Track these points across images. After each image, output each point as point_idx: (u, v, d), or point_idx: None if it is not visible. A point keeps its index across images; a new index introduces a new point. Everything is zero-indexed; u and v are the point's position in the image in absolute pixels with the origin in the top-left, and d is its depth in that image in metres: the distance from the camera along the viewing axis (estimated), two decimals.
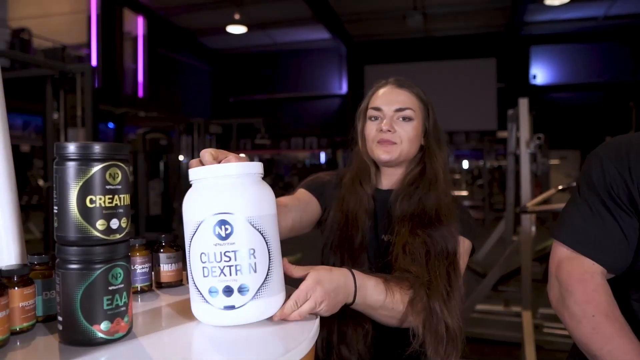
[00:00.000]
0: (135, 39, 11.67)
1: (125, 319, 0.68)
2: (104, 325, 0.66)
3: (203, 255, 0.71)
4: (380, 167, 1.31)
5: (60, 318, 0.66)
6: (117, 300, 0.67)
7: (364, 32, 13.06)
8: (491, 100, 13.27)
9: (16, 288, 0.70)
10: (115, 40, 10.92)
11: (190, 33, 12.94)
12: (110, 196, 0.66)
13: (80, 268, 0.65)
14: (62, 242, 0.66)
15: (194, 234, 0.72)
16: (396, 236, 1.18)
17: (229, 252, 0.70)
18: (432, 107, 1.30)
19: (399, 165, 1.29)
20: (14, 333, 0.69)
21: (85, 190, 0.65)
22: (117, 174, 0.67)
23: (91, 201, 0.65)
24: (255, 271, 0.72)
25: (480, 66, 13.34)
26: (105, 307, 0.66)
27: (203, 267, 0.72)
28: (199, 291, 0.73)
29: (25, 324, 0.70)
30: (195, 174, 0.75)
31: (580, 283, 0.98)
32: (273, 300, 0.74)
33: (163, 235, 0.97)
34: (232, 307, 0.71)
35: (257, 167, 0.76)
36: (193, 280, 0.74)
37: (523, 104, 3.31)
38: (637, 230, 0.96)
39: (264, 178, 0.80)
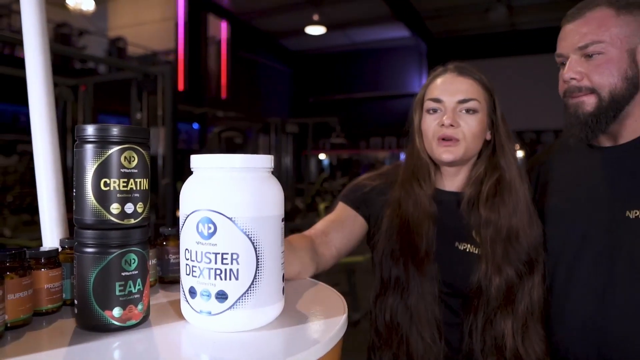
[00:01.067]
0: (219, 43, 12.16)
1: (140, 306, 0.67)
2: (116, 312, 0.64)
3: (187, 251, 0.66)
4: (440, 167, 1.16)
5: (75, 302, 0.65)
6: (130, 287, 0.65)
7: (444, 29, 12.69)
8: None
9: (43, 270, 0.70)
10: (200, 45, 11.43)
11: (271, 35, 13.26)
12: (125, 180, 0.65)
13: (94, 252, 0.64)
14: (79, 225, 0.65)
15: (182, 226, 0.67)
16: (479, 247, 1.07)
17: (209, 253, 0.64)
18: (498, 95, 1.14)
19: (462, 164, 1.14)
20: (39, 314, 0.70)
21: (100, 173, 0.64)
22: (134, 157, 0.66)
23: (105, 184, 0.64)
24: (236, 278, 0.64)
25: None
26: (117, 293, 0.64)
27: (186, 264, 0.66)
28: (182, 288, 0.68)
29: (50, 306, 0.71)
30: (195, 160, 0.68)
31: None
32: (259, 312, 0.66)
33: None
34: (209, 313, 0.64)
35: (263, 161, 0.68)
36: (180, 275, 0.69)
37: None
38: None
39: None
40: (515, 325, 1.03)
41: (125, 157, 0.65)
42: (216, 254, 0.64)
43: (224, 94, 12.19)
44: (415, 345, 1.05)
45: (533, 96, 12.55)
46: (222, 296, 0.64)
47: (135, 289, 0.66)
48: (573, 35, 1.03)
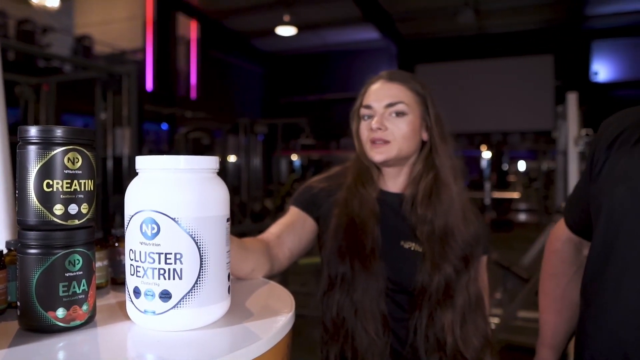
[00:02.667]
0: (188, 42, 12.04)
1: (84, 307, 0.67)
2: (59, 312, 0.64)
3: (131, 252, 0.67)
4: (381, 168, 1.21)
5: (18, 303, 0.65)
6: (74, 288, 0.66)
7: (414, 31, 12.86)
8: (548, 99, 12.71)
9: None
10: (169, 44, 11.30)
11: (242, 35, 13.19)
12: (69, 181, 0.65)
13: (37, 253, 0.64)
14: (22, 226, 0.65)
15: (127, 227, 0.68)
16: (421, 245, 1.12)
17: (153, 253, 0.64)
18: (433, 99, 1.19)
19: (400, 165, 1.19)
20: None
21: (43, 174, 0.64)
22: (78, 158, 0.66)
23: (48, 185, 0.64)
24: (180, 278, 0.64)
25: (537, 63, 12.83)
26: (61, 294, 0.64)
27: (130, 265, 0.67)
28: (127, 288, 0.68)
29: None
30: (140, 162, 0.69)
31: (549, 242, 1.14)
32: (204, 311, 0.67)
33: None
34: (153, 313, 0.65)
35: (208, 162, 0.69)
36: (125, 275, 0.69)
37: (571, 98, 3.12)
38: (591, 197, 0.95)
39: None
40: (454, 320, 1.08)
41: (69, 158, 0.65)
42: (159, 254, 0.64)
43: (193, 94, 12.08)
44: (360, 339, 1.08)
45: (500, 98, 12.83)
46: (166, 295, 0.65)
47: (79, 289, 0.66)
48: None
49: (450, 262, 1.09)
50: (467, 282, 1.11)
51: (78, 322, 0.66)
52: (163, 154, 0.77)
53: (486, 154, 12.23)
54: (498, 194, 10.85)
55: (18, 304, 0.65)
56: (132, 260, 0.67)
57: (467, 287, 1.11)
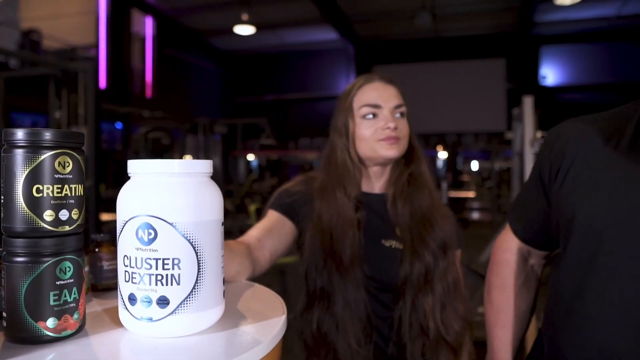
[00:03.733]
0: (143, 40, 11.73)
1: (75, 315, 0.65)
2: (50, 322, 0.62)
3: (126, 258, 0.65)
4: (368, 169, 1.23)
5: (4, 314, 0.63)
6: (65, 296, 0.63)
7: (372, 33, 13.02)
8: (500, 101, 13.15)
9: None
10: (123, 41, 10.98)
11: (199, 34, 12.98)
12: (60, 186, 0.63)
13: (26, 261, 0.61)
14: (8, 233, 0.63)
15: (120, 233, 0.66)
16: (402, 242, 1.16)
17: (150, 259, 0.63)
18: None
19: (388, 166, 1.24)
20: None
21: (32, 179, 0.61)
22: (68, 162, 0.64)
23: (38, 190, 0.61)
24: (178, 283, 0.63)
25: (490, 67, 13.25)
26: (52, 303, 0.62)
27: (125, 271, 0.65)
28: (121, 296, 0.66)
29: None
30: (133, 166, 0.67)
31: (495, 254, 1.09)
32: (201, 316, 0.66)
33: None
34: (150, 319, 0.64)
35: (202, 166, 0.68)
36: (118, 283, 0.68)
37: (527, 102, 3.24)
38: (555, 209, 0.94)
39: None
40: (435, 305, 1.13)
41: (59, 162, 0.63)
42: (157, 259, 0.63)
43: (148, 93, 11.79)
44: (342, 352, 1.10)
45: (455, 100, 13.16)
46: (163, 302, 0.64)
47: (71, 297, 0.64)
48: None
49: (429, 250, 1.15)
50: (445, 269, 1.16)
51: (69, 331, 0.64)
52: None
53: (442, 154, 12.53)
54: (454, 193, 11.12)
55: (4, 314, 0.63)
56: (126, 266, 0.65)
57: (445, 273, 1.16)
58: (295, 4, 10.87)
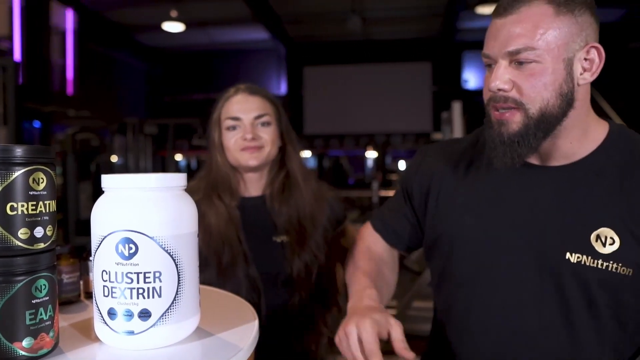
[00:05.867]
0: (63, 33, 11.10)
1: (51, 333, 0.64)
2: (26, 342, 0.61)
3: (104, 273, 0.65)
4: (243, 176, 1.33)
5: None
6: (41, 314, 0.62)
7: (303, 34, 13.10)
8: (426, 103, 13.68)
9: None
10: (41, 34, 10.32)
11: (125, 29, 12.46)
12: (34, 202, 0.62)
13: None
14: None
15: (97, 248, 0.66)
16: (288, 236, 1.28)
17: (131, 273, 0.64)
18: (282, 108, 1.36)
19: (262, 169, 1.33)
20: None
21: (5, 197, 0.60)
22: (42, 178, 0.63)
23: (12, 208, 0.60)
24: (160, 296, 0.65)
25: (417, 70, 13.74)
26: (27, 323, 0.61)
27: (104, 286, 0.65)
28: (99, 310, 0.67)
29: None
30: (107, 181, 0.67)
31: (357, 245, 1.17)
32: (181, 326, 0.67)
33: None
34: (131, 333, 0.64)
35: (178, 179, 0.69)
36: (95, 298, 0.68)
37: (456, 107, 3.43)
38: (416, 224, 1.10)
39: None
40: (314, 300, 1.27)
41: (33, 179, 0.62)
42: (138, 273, 0.64)
43: (70, 90, 11.16)
44: None
45: (383, 101, 13.51)
46: (145, 314, 0.64)
47: (46, 315, 0.63)
48: (504, 34, 0.85)
49: (308, 248, 1.26)
50: (325, 264, 1.29)
51: (45, 350, 0.63)
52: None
53: (371, 154, 12.84)
54: (384, 192, 11.45)
55: None
56: (105, 281, 0.65)
57: (324, 269, 1.29)
58: (225, 3, 10.71)
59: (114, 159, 7.68)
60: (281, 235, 1.28)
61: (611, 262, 0.83)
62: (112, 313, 0.65)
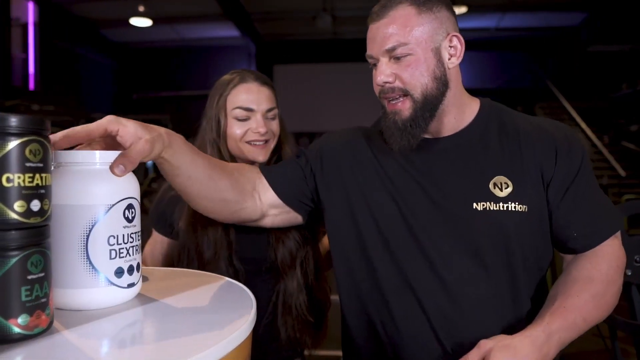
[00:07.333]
0: (25, 26, 10.73)
1: (47, 311, 0.62)
2: (21, 319, 0.59)
3: (112, 237, 0.72)
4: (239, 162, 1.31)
5: None
6: (37, 291, 0.60)
7: (273, 32, 13.05)
8: None
9: None
10: (1, 27, 9.95)
11: (91, 24, 12.14)
12: (31, 175, 0.59)
13: None
14: None
15: (100, 218, 0.72)
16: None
17: (133, 233, 0.75)
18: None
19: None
20: None
21: (0, 168, 0.57)
22: (39, 150, 0.61)
23: (8, 180, 0.58)
24: (141, 249, 0.79)
25: None
26: (23, 299, 0.59)
27: (111, 250, 0.72)
28: (102, 275, 0.72)
29: None
30: (81, 157, 0.73)
31: None
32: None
33: None
34: (133, 285, 0.75)
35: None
36: (91, 266, 0.71)
37: None
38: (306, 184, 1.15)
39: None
40: (298, 286, 1.27)
41: (30, 150, 0.59)
42: (136, 232, 0.77)
43: (32, 85, 10.80)
44: None
45: (353, 99, 13.58)
46: (139, 267, 0.78)
47: (42, 292, 0.61)
48: (380, 36, 1.00)
49: (292, 235, 1.26)
50: (308, 253, 1.29)
51: (41, 328, 0.61)
52: None
53: None
54: None
55: None
56: (112, 245, 0.72)
57: (308, 257, 1.29)
58: None
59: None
60: None
61: (509, 202, 0.99)
62: (119, 272, 0.73)
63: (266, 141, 1.25)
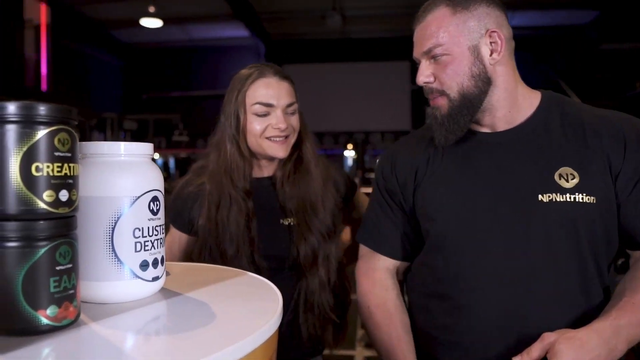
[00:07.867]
0: (37, 28, 10.82)
1: (74, 303, 0.61)
2: (50, 311, 0.58)
3: (137, 230, 0.71)
4: (259, 160, 1.29)
5: None
6: (65, 282, 0.59)
7: (283, 31, 13.05)
8: (405, 102, 13.77)
9: None
10: (14, 27, 10.04)
11: (101, 25, 12.21)
12: (60, 164, 0.59)
13: (21, 246, 0.56)
14: None
15: (125, 210, 0.71)
16: (296, 219, 1.25)
17: (157, 226, 0.74)
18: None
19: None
20: None
21: (30, 157, 0.57)
22: (67, 140, 0.60)
23: (37, 169, 0.57)
24: (164, 242, 0.78)
25: (395, 68, 13.81)
26: (52, 290, 0.58)
27: (136, 242, 0.71)
28: (127, 268, 0.71)
29: None
30: (107, 148, 0.72)
31: (364, 277, 1.17)
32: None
33: None
34: (157, 278, 0.74)
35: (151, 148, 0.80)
36: (116, 258, 0.70)
37: None
38: (407, 224, 1.14)
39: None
40: (320, 284, 1.25)
41: (59, 140, 0.59)
42: (160, 225, 0.76)
43: (44, 86, 10.89)
44: None
45: (362, 100, 13.56)
46: (163, 260, 0.76)
47: (70, 284, 0.60)
48: (419, 39, 1.05)
49: (315, 233, 1.24)
50: (330, 251, 1.27)
51: (69, 319, 0.60)
52: None
53: (349, 153, 12.87)
54: (364, 189, 11.50)
55: None
56: (137, 237, 0.71)
57: (329, 256, 1.27)
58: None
59: None
60: (289, 217, 1.26)
61: (577, 193, 0.96)
62: (144, 265, 0.72)
63: (286, 137, 1.24)
